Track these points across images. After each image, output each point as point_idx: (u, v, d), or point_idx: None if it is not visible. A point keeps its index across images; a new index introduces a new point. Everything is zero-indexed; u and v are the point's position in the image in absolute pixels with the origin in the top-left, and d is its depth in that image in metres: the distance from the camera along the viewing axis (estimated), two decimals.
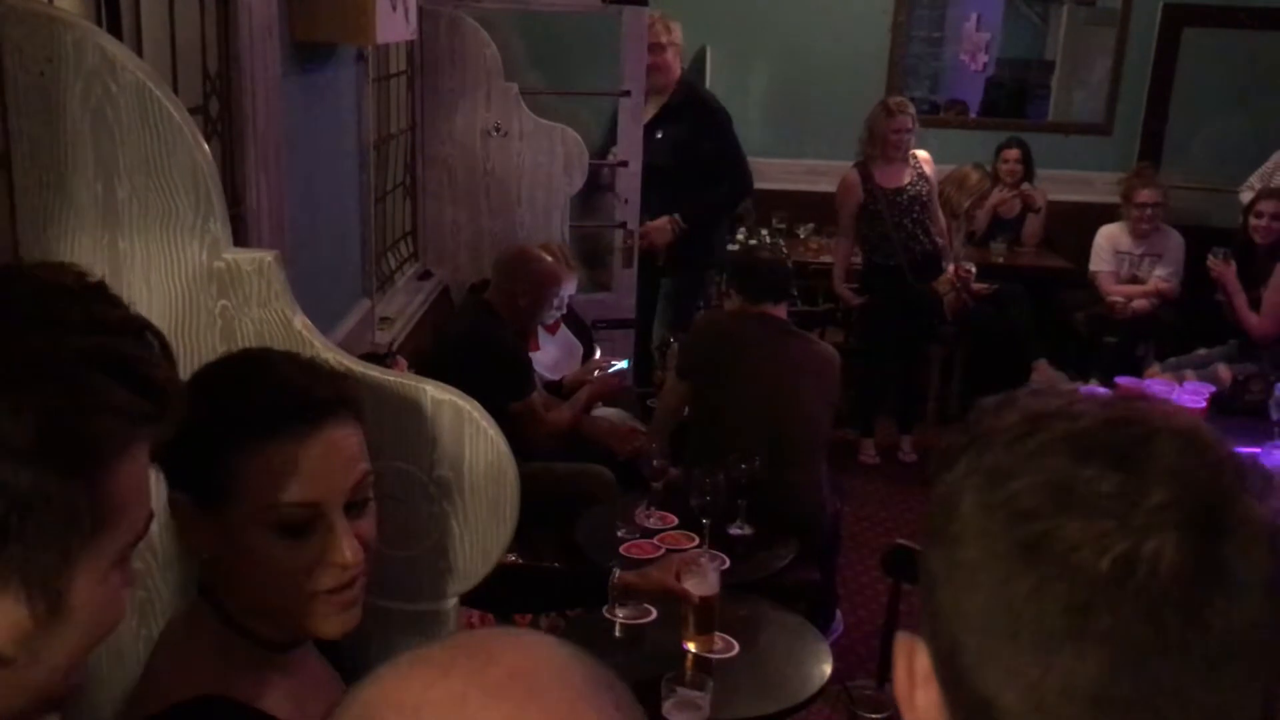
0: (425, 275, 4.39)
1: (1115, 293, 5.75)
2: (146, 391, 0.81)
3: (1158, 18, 6.35)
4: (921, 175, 5.18)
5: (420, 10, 3.96)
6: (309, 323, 1.42)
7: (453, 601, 1.50)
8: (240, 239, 2.38)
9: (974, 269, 5.52)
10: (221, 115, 2.40)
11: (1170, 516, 0.62)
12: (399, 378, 1.45)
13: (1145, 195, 5.65)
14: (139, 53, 2.04)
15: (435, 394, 1.46)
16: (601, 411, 4.15)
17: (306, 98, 2.82)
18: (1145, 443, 0.65)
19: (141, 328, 0.84)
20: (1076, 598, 0.63)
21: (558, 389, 4.09)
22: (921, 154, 5.26)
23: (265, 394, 1.18)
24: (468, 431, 1.46)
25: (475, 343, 3.71)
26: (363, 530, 1.21)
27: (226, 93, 2.40)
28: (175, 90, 2.19)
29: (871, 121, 5.18)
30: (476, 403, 1.49)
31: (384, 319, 3.71)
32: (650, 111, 4.80)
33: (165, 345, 0.86)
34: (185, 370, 1.39)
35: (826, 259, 5.83)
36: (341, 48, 3.05)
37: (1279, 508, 0.66)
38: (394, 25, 2.92)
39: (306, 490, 1.16)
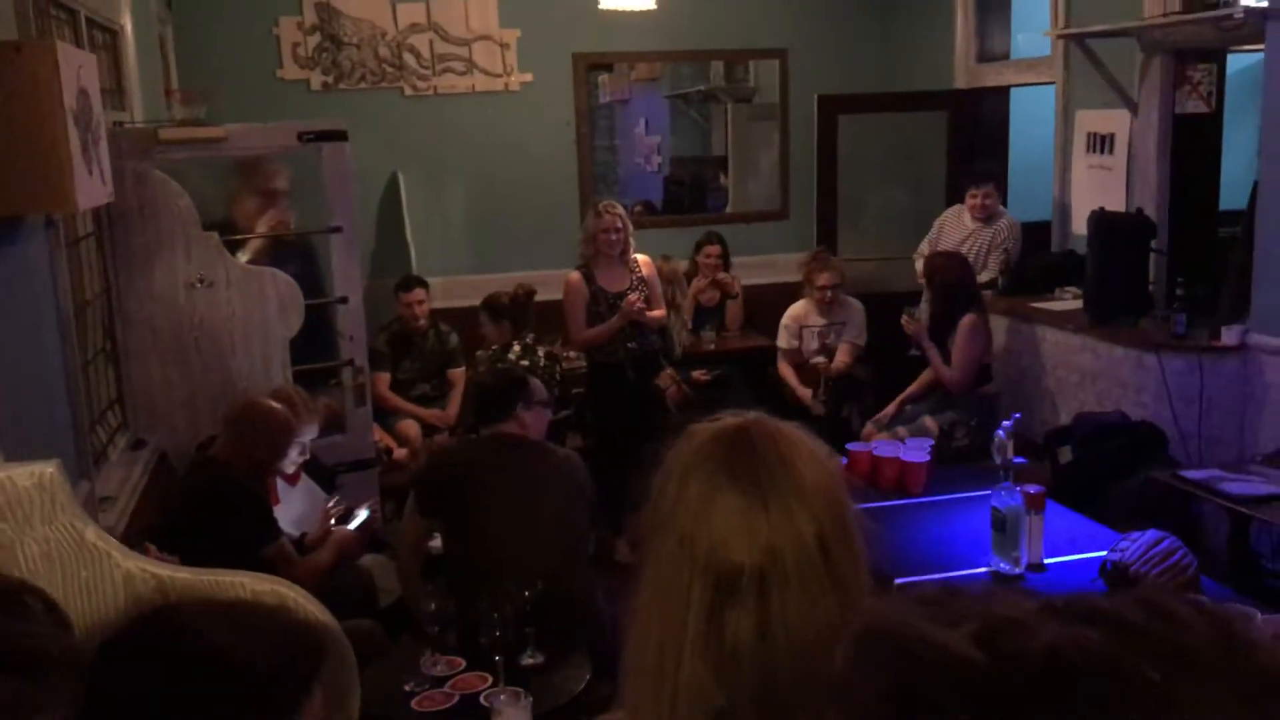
0: (139, 444, 4.07)
1: (811, 356, 6.11)
2: (30, 673, 0.68)
3: (814, 108, 6.88)
4: (641, 279, 5.35)
5: None
6: (103, 533, 1.28)
7: None
8: None
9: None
10: None
11: None
12: (215, 576, 1.32)
13: (824, 279, 6.11)
14: None
15: (254, 586, 1.34)
16: (364, 560, 4.00)
17: None
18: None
19: (17, 591, 0.71)
20: None
21: (301, 546, 3.84)
22: (641, 258, 5.43)
23: (282, 650, 1.19)
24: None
25: (208, 497, 3.50)
26: None
27: None
28: None
29: (586, 225, 5.34)
30: (297, 586, 1.39)
31: (105, 499, 3.39)
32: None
33: (50, 604, 0.73)
34: None
35: None
36: (29, 217, 2.81)
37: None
38: (93, 189, 2.72)
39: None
